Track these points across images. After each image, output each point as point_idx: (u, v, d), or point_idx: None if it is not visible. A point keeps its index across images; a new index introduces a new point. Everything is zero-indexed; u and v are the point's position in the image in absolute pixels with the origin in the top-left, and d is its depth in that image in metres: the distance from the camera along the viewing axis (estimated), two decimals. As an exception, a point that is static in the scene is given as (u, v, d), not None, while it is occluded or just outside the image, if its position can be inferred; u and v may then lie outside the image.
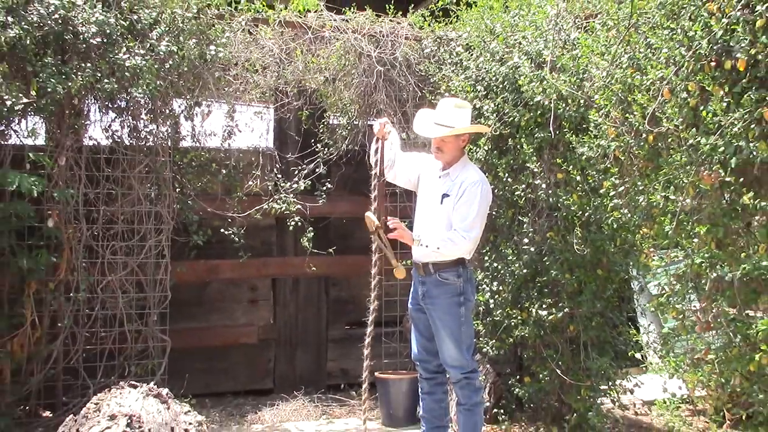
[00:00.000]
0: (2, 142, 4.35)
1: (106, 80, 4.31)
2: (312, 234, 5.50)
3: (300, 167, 5.62)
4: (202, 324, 5.75)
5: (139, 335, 4.75)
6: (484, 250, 4.87)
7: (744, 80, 2.93)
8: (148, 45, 4.48)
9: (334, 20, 5.49)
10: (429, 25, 5.61)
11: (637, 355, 4.83)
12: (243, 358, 5.87)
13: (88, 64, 4.28)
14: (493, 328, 4.82)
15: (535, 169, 4.58)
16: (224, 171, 5.32)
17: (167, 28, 4.58)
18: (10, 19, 3.97)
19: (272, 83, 5.36)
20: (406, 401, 5.08)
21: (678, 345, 4.21)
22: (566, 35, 4.56)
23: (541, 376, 4.62)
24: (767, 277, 3.01)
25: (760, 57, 2.84)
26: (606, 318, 4.66)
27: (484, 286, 4.84)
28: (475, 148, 4.82)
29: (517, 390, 4.79)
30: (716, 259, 3.23)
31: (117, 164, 4.72)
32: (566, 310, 4.49)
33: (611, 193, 3.83)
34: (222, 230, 5.33)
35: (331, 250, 5.65)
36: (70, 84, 4.16)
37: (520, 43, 4.76)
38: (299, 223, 5.49)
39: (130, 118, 4.79)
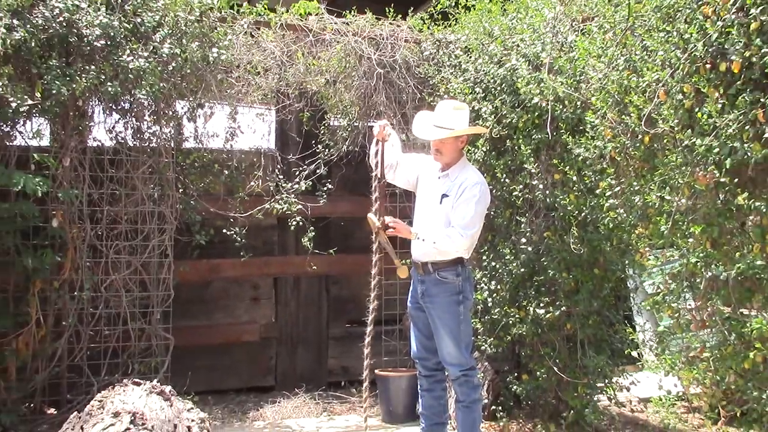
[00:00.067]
0: (7, 143, 4.35)
1: (109, 82, 4.30)
2: (313, 234, 5.50)
3: (301, 168, 5.62)
4: (205, 322, 5.75)
5: (143, 333, 4.74)
6: (483, 250, 4.87)
7: (739, 82, 2.92)
8: (152, 47, 4.47)
9: (335, 23, 5.49)
10: (428, 28, 5.61)
11: (634, 353, 4.83)
12: (245, 355, 5.87)
13: (92, 67, 4.27)
14: (492, 326, 4.81)
15: (533, 170, 4.58)
16: (226, 172, 5.32)
17: (170, 31, 4.58)
18: (15, 21, 3.96)
19: (274, 85, 5.36)
20: (405, 398, 5.08)
21: (673, 343, 4.20)
22: (563, 38, 4.55)
23: (538, 373, 4.61)
24: (761, 276, 3.01)
25: (754, 59, 2.83)
26: (603, 316, 4.65)
27: (483, 284, 4.84)
28: (473, 149, 4.81)
29: (515, 387, 4.78)
30: (711, 258, 3.22)
31: (121, 165, 4.71)
32: (563, 308, 4.49)
33: (607, 194, 3.82)
34: (224, 230, 5.33)
35: (331, 250, 5.66)
36: (74, 86, 4.16)
37: (518, 46, 4.76)
38: (300, 223, 5.49)
39: (133, 119, 4.78)
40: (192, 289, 5.55)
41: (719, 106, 2.95)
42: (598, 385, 4.62)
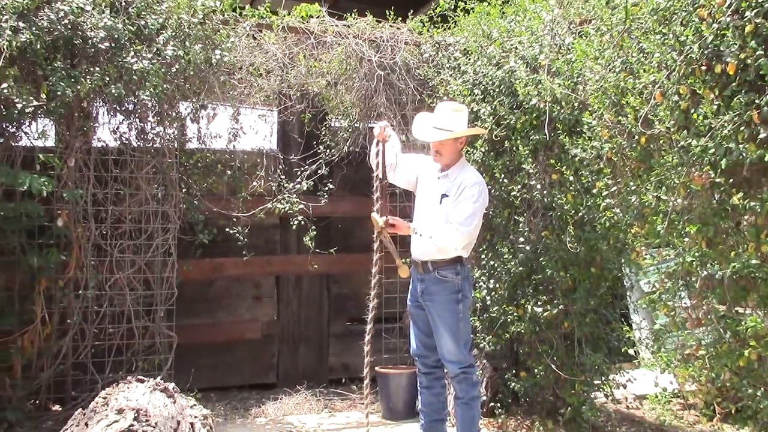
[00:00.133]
0: (13, 144, 4.34)
1: (114, 84, 4.30)
2: (314, 233, 5.50)
3: (303, 168, 5.62)
4: (208, 320, 5.75)
5: (147, 331, 4.74)
6: (481, 249, 4.86)
7: (734, 84, 2.92)
8: (155, 49, 4.47)
9: (336, 26, 5.49)
10: (428, 30, 5.61)
11: (630, 351, 4.82)
12: (247, 353, 5.86)
13: (97, 68, 4.27)
14: (490, 324, 4.81)
15: (531, 170, 4.58)
16: (229, 172, 5.31)
17: (174, 33, 4.58)
18: (21, 24, 3.96)
19: (276, 87, 5.35)
20: (405, 395, 5.07)
21: (669, 341, 4.20)
22: (561, 40, 4.55)
23: (536, 371, 4.61)
24: (756, 275, 3.00)
25: (749, 61, 2.83)
26: (599, 315, 4.65)
27: (481, 283, 4.84)
28: (472, 150, 4.81)
29: (513, 384, 4.78)
30: (706, 257, 3.22)
31: (125, 165, 4.71)
32: (561, 307, 4.48)
33: (604, 194, 3.82)
34: (227, 229, 5.33)
35: (332, 249, 5.66)
36: (79, 87, 4.15)
37: (516, 48, 4.75)
38: (302, 223, 5.49)
39: (137, 120, 4.78)
40: (195, 287, 5.55)
41: (715, 107, 2.95)
42: (595, 382, 4.62)
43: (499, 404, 4.83)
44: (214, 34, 4.86)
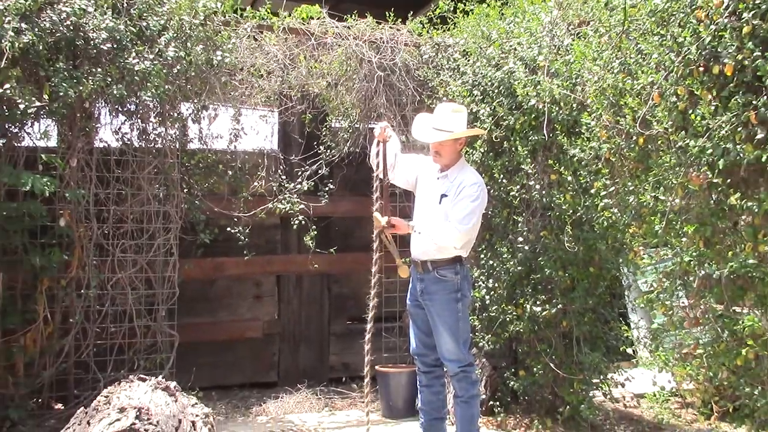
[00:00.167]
0: (16, 144, 4.34)
1: (116, 84, 4.30)
2: (315, 233, 5.50)
3: (303, 168, 5.62)
4: (209, 319, 5.75)
5: (148, 330, 4.73)
6: (481, 249, 4.86)
7: (731, 84, 2.92)
8: (157, 50, 4.47)
9: (336, 27, 5.49)
10: (427, 31, 5.61)
11: (628, 350, 4.82)
12: (248, 352, 5.86)
13: (99, 69, 4.27)
14: (489, 323, 4.81)
15: (530, 171, 4.57)
16: (230, 172, 5.32)
17: (175, 35, 4.57)
18: (23, 25, 3.96)
19: (276, 88, 5.36)
20: (405, 393, 5.07)
21: (667, 340, 4.20)
22: (560, 41, 4.55)
23: (535, 369, 4.61)
24: (753, 274, 3.00)
25: (746, 62, 2.83)
26: (598, 314, 4.65)
27: (481, 282, 4.83)
28: (471, 150, 4.81)
29: (512, 383, 4.78)
30: (704, 257, 3.22)
31: (127, 165, 4.71)
32: (559, 306, 4.48)
33: (602, 194, 3.82)
34: (228, 229, 5.33)
35: (333, 249, 5.66)
36: (81, 88, 4.15)
37: (515, 49, 4.75)
38: (302, 222, 5.49)
39: (139, 121, 4.78)
40: (196, 286, 5.55)
41: (712, 108, 2.95)
42: (594, 381, 4.62)
43: (498, 403, 4.83)
44: (215, 35, 4.86)
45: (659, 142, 3.32)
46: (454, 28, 5.53)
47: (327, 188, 5.60)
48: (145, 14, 4.51)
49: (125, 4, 4.45)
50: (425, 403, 3.98)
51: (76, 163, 4.45)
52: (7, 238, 4.21)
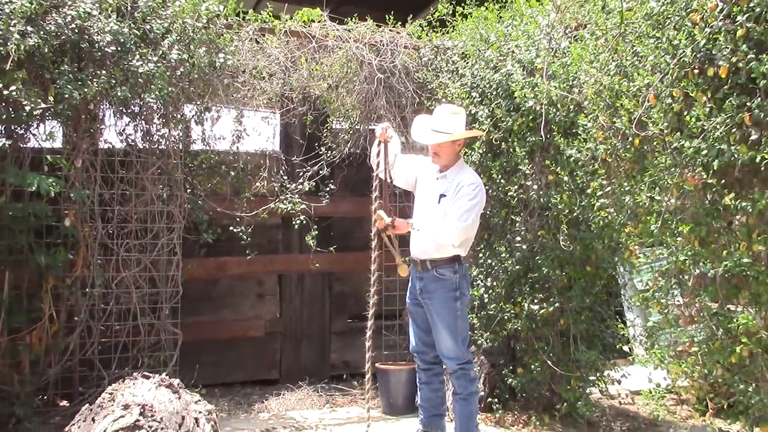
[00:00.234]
0: (22, 145, 4.33)
1: (120, 86, 4.30)
2: (316, 232, 5.50)
3: (305, 169, 5.63)
4: (212, 318, 5.74)
5: (152, 329, 4.73)
6: (479, 248, 4.86)
7: (726, 86, 2.92)
8: (160, 53, 4.46)
9: (337, 30, 5.49)
10: (427, 34, 5.61)
11: (624, 348, 4.82)
12: (251, 350, 5.86)
13: (103, 71, 4.27)
14: (488, 321, 4.81)
15: (527, 171, 4.57)
16: (233, 173, 5.31)
17: (178, 37, 4.57)
18: (29, 28, 3.95)
19: (278, 90, 5.36)
20: (405, 391, 5.07)
21: (662, 338, 4.19)
22: (557, 44, 4.55)
23: (533, 367, 4.61)
24: (748, 273, 3.00)
25: (740, 65, 2.83)
26: (594, 312, 4.65)
27: (479, 281, 4.83)
28: (470, 151, 4.81)
29: (510, 380, 4.78)
30: (699, 256, 3.22)
31: (131, 166, 4.70)
32: (557, 304, 4.48)
33: (599, 194, 3.82)
34: (231, 229, 5.32)
35: (332, 248, 5.66)
36: (86, 90, 4.15)
37: (513, 52, 4.75)
38: (304, 222, 5.49)
39: (143, 122, 4.77)
40: (199, 285, 5.55)
41: (707, 109, 2.95)
42: (591, 378, 4.62)
43: (496, 399, 4.83)
44: (218, 38, 4.86)
45: (655, 143, 3.32)
46: (453, 31, 5.53)
47: (328, 189, 5.60)
48: (148, 17, 4.51)
49: (129, 8, 4.44)
50: (425, 400, 3.98)
51: (81, 163, 4.44)
52: (13, 238, 4.20)
